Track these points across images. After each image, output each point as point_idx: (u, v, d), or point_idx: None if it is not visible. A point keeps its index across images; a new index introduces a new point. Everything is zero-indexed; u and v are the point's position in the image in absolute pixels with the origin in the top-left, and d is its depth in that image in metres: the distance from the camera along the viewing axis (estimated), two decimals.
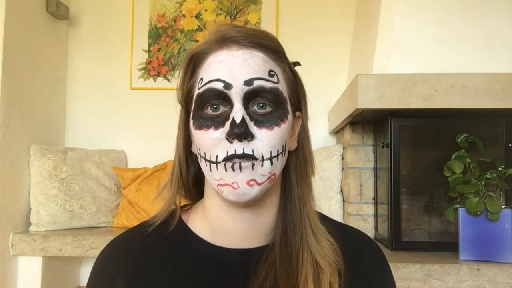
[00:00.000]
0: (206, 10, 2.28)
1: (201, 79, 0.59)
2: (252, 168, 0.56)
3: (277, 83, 0.59)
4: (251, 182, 0.56)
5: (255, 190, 0.56)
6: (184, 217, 0.66)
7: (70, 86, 2.28)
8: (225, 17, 2.27)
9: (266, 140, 0.56)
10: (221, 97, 0.57)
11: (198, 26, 2.28)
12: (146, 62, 2.27)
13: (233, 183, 0.56)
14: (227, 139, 0.55)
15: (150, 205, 1.95)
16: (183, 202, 0.68)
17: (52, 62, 2.14)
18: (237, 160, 0.55)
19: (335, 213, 1.91)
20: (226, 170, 0.56)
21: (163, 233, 0.64)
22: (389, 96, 1.48)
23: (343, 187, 1.96)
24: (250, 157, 0.55)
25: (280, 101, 0.59)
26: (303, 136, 0.65)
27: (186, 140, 0.64)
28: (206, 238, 0.63)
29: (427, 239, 1.69)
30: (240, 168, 0.55)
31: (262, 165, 0.56)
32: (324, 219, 0.67)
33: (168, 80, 2.26)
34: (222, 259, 0.61)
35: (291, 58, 0.65)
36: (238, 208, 0.60)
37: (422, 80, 1.48)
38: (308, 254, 0.60)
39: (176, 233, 0.64)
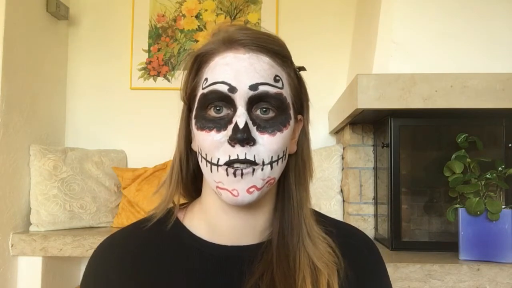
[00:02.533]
0: (206, 10, 2.28)
1: (206, 79, 0.59)
2: (253, 174, 0.56)
3: (281, 88, 0.59)
4: (251, 189, 0.56)
5: (254, 196, 0.57)
6: (180, 215, 0.66)
7: (70, 86, 2.28)
8: (225, 17, 2.26)
9: (267, 145, 0.57)
10: (225, 99, 0.57)
11: (198, 26, 2.28)
12: (146, 62, 2.27)
13: (233, 190, 0.56)
14: (229, 143, 0.56)
15: (150, 205, 1.94)
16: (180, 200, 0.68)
17: (52, 62, 2.14)
18: (238, 165, 0.56)
19: (335, 213, 1.91)
20: (227, 174, 0.56)
21: (159, 231, 0.64)
22: (389, 96, 1.48)
23: (343, 187, 1.95)
24: (251, 163, 0.56)
25: (284, 106, 0.59)
26: (303, 140, 0.65)
27: (187, 137, 0.65)
28: (202, 236, 0.63)
29: (427, 239, 1.69)
30: (242, 174, 0.56)
31: (262, 169, 0.57)
32: (320, 216, 0.67)
33: (168, 80, 2.26)
34: (217, 256, 0.62)
35: (291, 57, 0.65)
36: (235, 208, 0.61)
37: (422, 80, 1.47)
38: (305, 257, 0.60)
39: (172, 231, 0.64)
